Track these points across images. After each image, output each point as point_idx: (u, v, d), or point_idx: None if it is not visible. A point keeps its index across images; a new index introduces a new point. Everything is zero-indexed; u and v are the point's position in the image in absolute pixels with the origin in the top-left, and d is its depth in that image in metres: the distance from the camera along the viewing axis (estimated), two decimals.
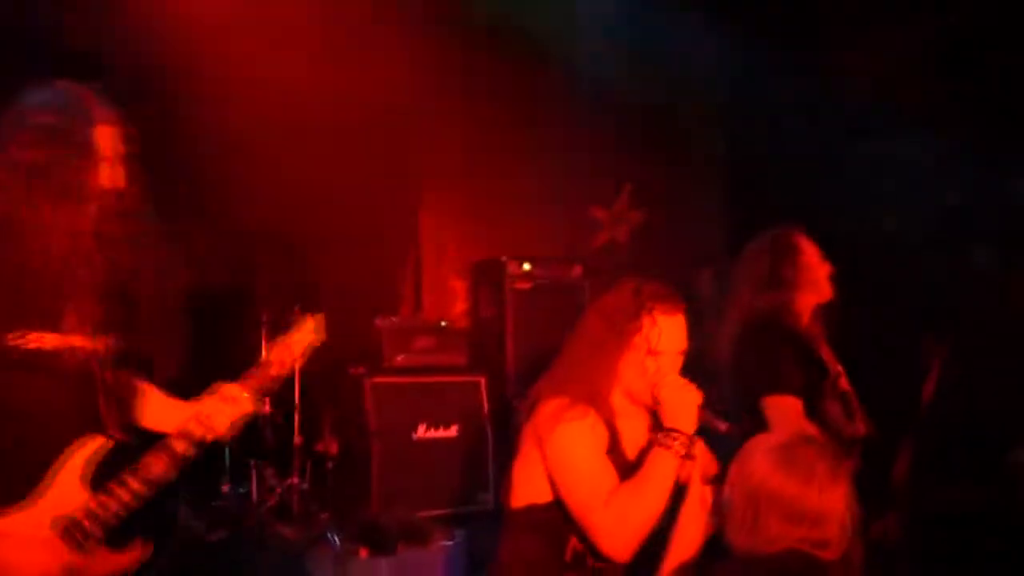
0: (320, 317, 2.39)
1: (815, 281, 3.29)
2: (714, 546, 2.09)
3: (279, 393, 5.08)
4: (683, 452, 2.28)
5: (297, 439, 5.05)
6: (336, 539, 4.53)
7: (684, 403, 2.34)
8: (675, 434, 2.29)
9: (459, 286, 6.49)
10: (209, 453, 4.79)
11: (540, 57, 6.21)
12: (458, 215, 6.62)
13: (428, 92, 6.34)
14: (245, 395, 2.22)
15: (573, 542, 2.38)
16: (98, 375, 2.04)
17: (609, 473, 2.34)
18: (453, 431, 5.25)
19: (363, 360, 5.32)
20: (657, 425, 2.39)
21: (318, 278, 5.81)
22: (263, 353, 2.28)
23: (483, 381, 5.45)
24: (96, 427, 2.02)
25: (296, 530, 4.78)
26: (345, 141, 6.14)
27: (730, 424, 2.39)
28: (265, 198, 5.73)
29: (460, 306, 6.45)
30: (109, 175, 2.04)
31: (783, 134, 5.89)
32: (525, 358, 5.68)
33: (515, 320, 5.87)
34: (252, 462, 4.96)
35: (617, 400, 2.45)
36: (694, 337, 2.49)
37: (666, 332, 2.39)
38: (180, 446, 2.10)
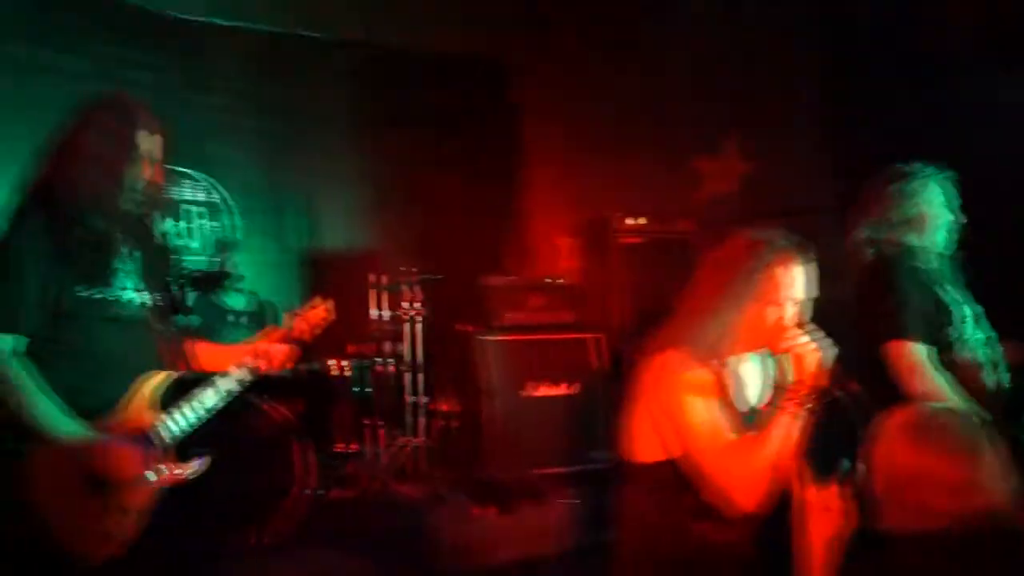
0: (331, 301, 2.80)
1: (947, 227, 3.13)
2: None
3: (398, 353, 5.19)
4: (798, 411, 2.23)
5: (416, 399, 5.13)
6: (456, 498, 4.60)
7: (803, 360, 2.26)
8: (791, 393, 2.24)
9: (567, 243, 6.47)
10: (329, 413, 4.97)
11: (643, 9, 6.10)
12: (564, 172, 6.59)
13: (532, 49, 6.31)
14: (282, 348, 2.67)
15: (693, 502, 2.35)
16: (153, 323, 2.52)
17: (724, 425, 2.30)
18: (564, 388, 5.25)
19: (474, 319, 5.36)
20: (779, 378, 2.34)
21: (430, 240, 5.87)
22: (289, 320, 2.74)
23: (593, 337, 5.42)
24: (157, 365, 2.49)
25: (416, 489, 4.86)
26: (449, 101, 6.16)
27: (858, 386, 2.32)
28: (376, 164, 5.83)
29: (568, 263, 6.43)
30: (148, 170, 2.49)
31: (889, 79, 5.67)
32: (634, 313, 5.64)
33: (624, 275, 5.82)
34: (372, 422, 5.05)
35: (739, 349, 2.41)
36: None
37: (784, 281, 2.31)
38: (229, 382, 2.56)
